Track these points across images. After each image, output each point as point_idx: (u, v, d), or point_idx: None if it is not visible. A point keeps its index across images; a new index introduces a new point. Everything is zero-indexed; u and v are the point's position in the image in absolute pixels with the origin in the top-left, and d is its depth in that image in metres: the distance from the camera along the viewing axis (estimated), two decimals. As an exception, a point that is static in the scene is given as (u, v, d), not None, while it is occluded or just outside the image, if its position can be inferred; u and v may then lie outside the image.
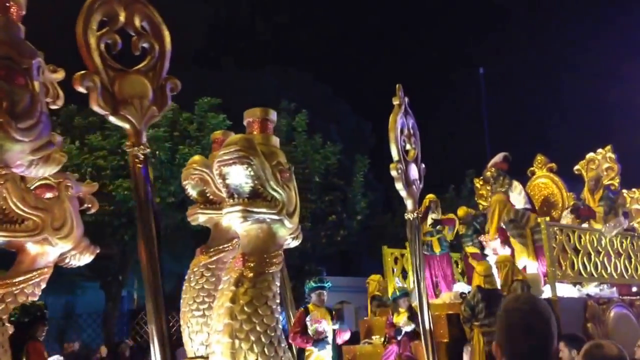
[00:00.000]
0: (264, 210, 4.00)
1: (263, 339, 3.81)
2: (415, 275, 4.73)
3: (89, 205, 3.96)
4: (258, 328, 3.82)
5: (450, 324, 6.69)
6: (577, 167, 9.03)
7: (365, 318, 8.44)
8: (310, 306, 6.04)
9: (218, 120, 14.61)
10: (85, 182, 4.09)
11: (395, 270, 8.68)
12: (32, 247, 3.50)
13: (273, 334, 3.87)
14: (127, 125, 3.61)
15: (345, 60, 26.61)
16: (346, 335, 5.96)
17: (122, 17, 3.62)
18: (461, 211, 8.95)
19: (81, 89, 3.49)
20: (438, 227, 8.46)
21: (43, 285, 3.62)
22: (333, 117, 19.80)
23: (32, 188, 3.60)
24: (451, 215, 8.69)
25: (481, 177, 9.27)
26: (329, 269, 18.06)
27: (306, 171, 15.46)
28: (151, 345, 3.51)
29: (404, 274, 8.67)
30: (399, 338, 6.60)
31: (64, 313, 17.42)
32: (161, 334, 3.15)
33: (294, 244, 4.46)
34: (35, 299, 3.69)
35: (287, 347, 4.05)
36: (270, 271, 4.01)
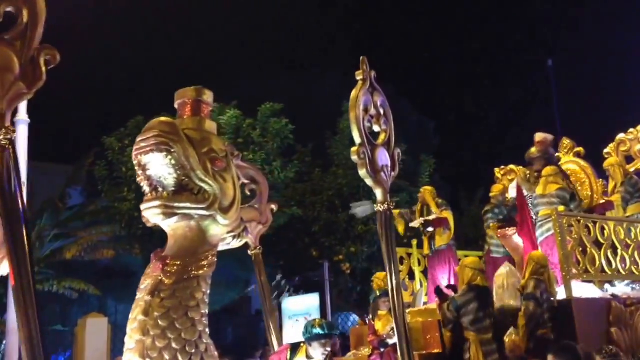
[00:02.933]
0: (188, 204, 3.41)
1: (180, 358, 3.23)
2: (388, 276, 4.05)
3: None
4: (174, 345, 3.24)
5: (454, 333, 5.83)
6: (606, 150, 8.04)
7: (356, 326, 7.75)
8: (302, 348, 4.61)
9: (281, 125, 14.52)
10: None
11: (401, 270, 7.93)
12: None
13: (194, 351, 3.28)
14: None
15: (407, 58, 25.87)
16: None
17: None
18: (495, 189, 8.14)
19: None
20: (429, 228, 7.73)
21: None
22: (396, 117, 19.35)
23: None
24: (444, 214, 7.84)
25: (502, 167, 8.40)
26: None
27: None
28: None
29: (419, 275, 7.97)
30: (382, 350, 5.90)
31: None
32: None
33: (237, 243, 3.86)
34: None
35: (217, 365, 3.44)
36: (197, 276, 3.42)
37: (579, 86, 23.28)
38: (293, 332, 14.16)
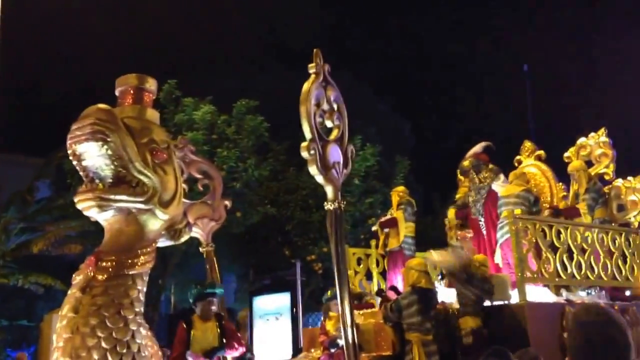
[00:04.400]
0: (124, 197, 3.27)
1: (110, 358, 3.08)
2: (336, 277, 3.93)
3: None
4: (104, 344, 3.09)
5: (395, 334, 5.76)
6: (567, 153, 8.01)
7: (309, 327, 7.62)
8: (194, 317, 4.85)
9: (256, 122, 14.41)
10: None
11: (357, 272, 7.83)
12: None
13: (125, 351, 3.13)
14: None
15: (385, 59, 25.86)
16: (236, 352, 4.99)
17: None
18: (461, 191, 8.11)
19: None
20: (385, 230, 7.65)
21: None
22: (372, 118, 19.36)
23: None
24: (397, 215, 7.72)
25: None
26: (368, 272, 17.72)
27: None
28: None
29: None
30: (332, 350, 5.80)
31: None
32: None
33: (178, 240, 3.72)
34: None
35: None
36: (132, 272, 3.28)
37: (553, 91, 23.48)
38: (264, 330, 14.06)
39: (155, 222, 3.42)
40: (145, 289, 3.36)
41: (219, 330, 4.84)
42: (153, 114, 3.60)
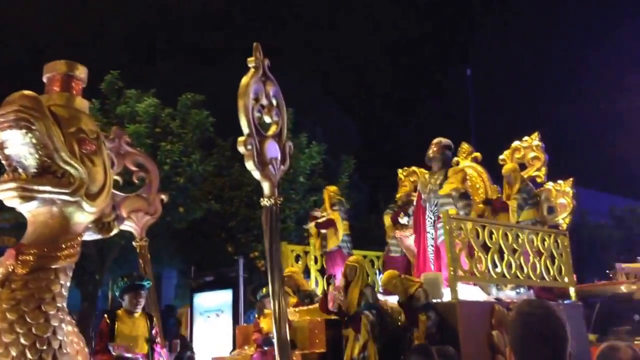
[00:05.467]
0: (49, 188, 3.15)
1: (29, 355, 2.96)
2: (269, 274, 3.92)
3: None
4: (23, 340, 2.97)
5: (329, 331, 5.76)
6: (502, 156, 8.25)
7: (244, 324, 7.56)
8: (120, 312, 4.73)
9: (201, 116, 14.16)
10: None
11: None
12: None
13: (45, 348, 3.01)
14: None
15: (334, 60, 25.95)
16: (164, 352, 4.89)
17: None
18: (401, 190, 8.16)
19: None
20: (322, 230, 7.68)
21: None
22: (319, 117, 19.35)
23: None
24: (334, 216, 7.77)
25: (405, 169, 8.45)
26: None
27: (290, 171, 14.88)
28: None
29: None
30: (265, 348, 5.78)
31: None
32: None
33: (106, 234, 3.61)
34: None
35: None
36: (55, 266, 3.16)
37: (495, 94, 24.23)
38: (204, 328, 13.86)
39: (82, 214, 3.30)
40: (69, 284, 3.25)
41: (148, 326, 4.73)
42: (82, 103, 3.49)
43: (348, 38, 26.76)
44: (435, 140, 7.45)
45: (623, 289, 9.36)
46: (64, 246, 3.22)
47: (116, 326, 4.69)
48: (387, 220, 8.10)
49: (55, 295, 3.12)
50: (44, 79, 3.49)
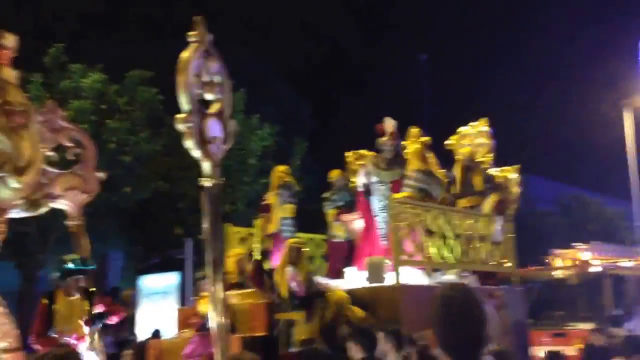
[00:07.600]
0: (-30, 162, 2.96)
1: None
2: (207, 256, 3.81)
3: None
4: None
5: (270, 314, 5.73)
6: (448, 141, 8.33)
7: (184, 306, 7.46)
8: (58, 292, 4.57)
9: (150, 94, 13.93)
10: None
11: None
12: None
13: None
14: None
15: (286, 39, 25.56)
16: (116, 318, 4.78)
17: None
18: (334, 174, 8.14)
19: None
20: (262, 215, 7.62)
21: None
22: (272, 98, 19.05)
23: None
24: (271, 200, 7.68)
25: (354, 152, 8.41)
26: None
27: (242, 152, 14.79)
28: None
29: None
30: (204, 332, 5.69)
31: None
32: None
33: (35, 211, 3.45)
34: None
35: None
36: (-24, 246, 2.99)
37: (449, 81, 24.58)
38: (149, 310, 13.62)
39: (7, 191, 3.14)
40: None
41: (88, 306, 4.59)
42: (10, 74, 3.30)
43: (303, 17, 26.62)
44: (390, 127, 7.42)
45: (559, 274, 9.66)
46: (-14, 224, 3.05)
47: (53, 308, 4.54)
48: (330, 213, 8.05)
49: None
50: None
